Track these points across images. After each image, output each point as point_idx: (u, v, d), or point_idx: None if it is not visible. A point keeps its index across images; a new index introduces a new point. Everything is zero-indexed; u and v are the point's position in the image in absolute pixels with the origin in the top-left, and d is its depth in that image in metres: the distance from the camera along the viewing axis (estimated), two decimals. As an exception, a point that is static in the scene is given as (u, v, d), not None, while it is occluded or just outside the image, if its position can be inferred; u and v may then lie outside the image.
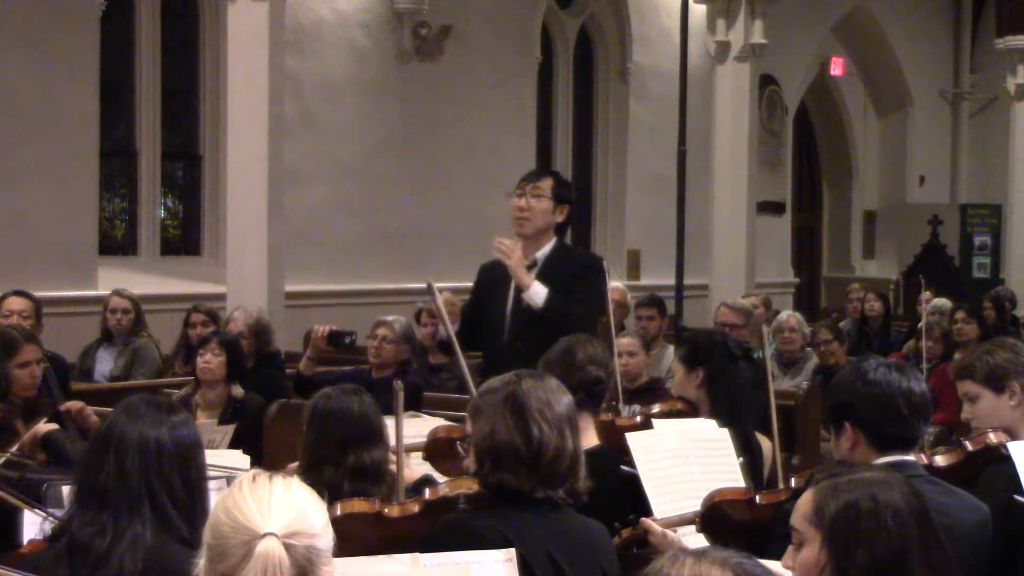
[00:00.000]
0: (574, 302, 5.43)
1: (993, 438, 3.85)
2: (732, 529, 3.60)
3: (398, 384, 3.97)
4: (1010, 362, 3.93)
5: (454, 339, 5.23)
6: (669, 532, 3.66)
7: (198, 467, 3.08)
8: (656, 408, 4.77)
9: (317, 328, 6.71)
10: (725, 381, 4.75)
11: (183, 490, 3.01)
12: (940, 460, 3.76)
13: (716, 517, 3.62)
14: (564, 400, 3.30)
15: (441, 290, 5.46)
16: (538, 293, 5.46)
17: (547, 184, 5.66)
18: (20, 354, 5.30)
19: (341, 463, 3.93)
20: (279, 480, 2.22)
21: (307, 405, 4.22)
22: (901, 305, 16.64)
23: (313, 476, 3.87)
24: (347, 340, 6.64)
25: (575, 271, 5.64)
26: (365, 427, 4.01)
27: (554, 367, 4.15)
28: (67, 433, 5.05)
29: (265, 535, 2.12)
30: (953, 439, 3.97)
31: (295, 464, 4.10)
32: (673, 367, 5.04)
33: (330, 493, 3.82)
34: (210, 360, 6.68)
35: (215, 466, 3.31)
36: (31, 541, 3.37)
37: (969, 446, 3.84)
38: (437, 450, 4.30)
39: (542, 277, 5.58)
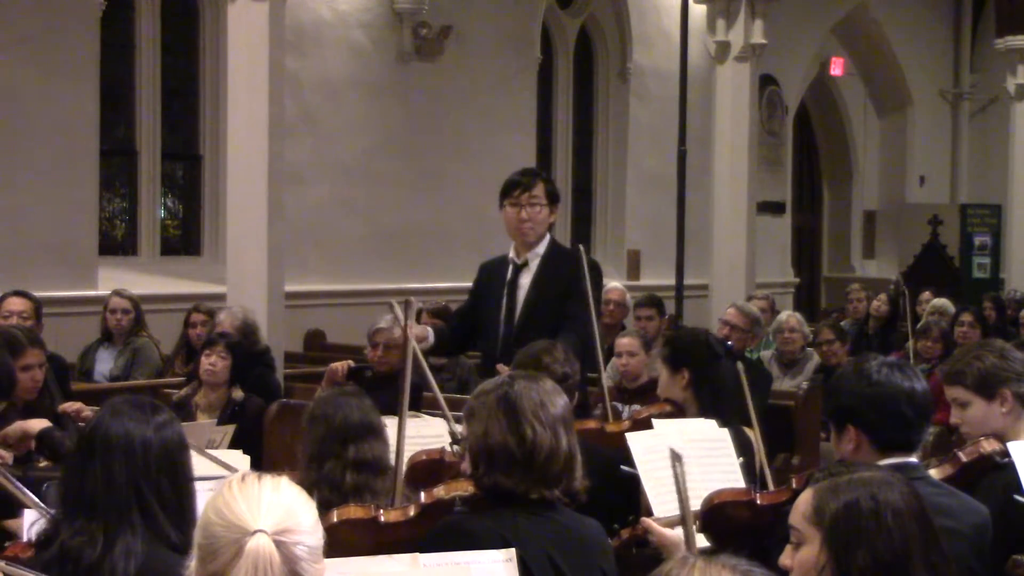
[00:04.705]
0: (571, 341, 5.29)
1: (987, 447, 3.79)
2: (732, 530, 3.60)
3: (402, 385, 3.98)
4: (1000, 368, 3.87)
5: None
6: (669, 531, 3.66)
7: (185, 469, 3.06)
8: (645, 413, 4.77)
9: (336, 365, 6.66)
10: (710, 381, 4.75)
11: (171, 493, 2.98)
12: (935, 473, 3.67)
13: (717, 518, 3.61)
14: (559, 401, 3.31)
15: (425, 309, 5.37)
16: None
17: (540, 190, 5.71)
18: (24, 357, 5.30)
19: (343, 457, 3.95)
20: (268, 479, 2.23)
21: (307, 407, 4.24)
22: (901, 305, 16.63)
23: (315, 470, 3.89)
24: (368, 374, 6.63)
25: (569, 272, 5.66)
26: (364, 423, 4.03)
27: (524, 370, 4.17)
28: (67, 433, 5.03)
29: (255, 532, 2.13)
30: (949, 454, 3.89)
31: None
32: (657, 368, 5.04)
33: (331, 486, 3.84)
34: (216, 363, 6.70)
35: (206, 476, 3.28)
36: (15, 544, 3.34)
37: (963, 457, 3.78)
38: (419, 475, 4.27)
39: (539, 276, 5.67)
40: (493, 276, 5.85)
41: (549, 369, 4.37)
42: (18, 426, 4.84)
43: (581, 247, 5.62)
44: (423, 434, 4.61)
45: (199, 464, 3.40)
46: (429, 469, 4.29)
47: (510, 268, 5.79)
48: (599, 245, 15.14)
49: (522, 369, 4.34)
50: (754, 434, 4.45)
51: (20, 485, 3.67)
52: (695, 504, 3.72)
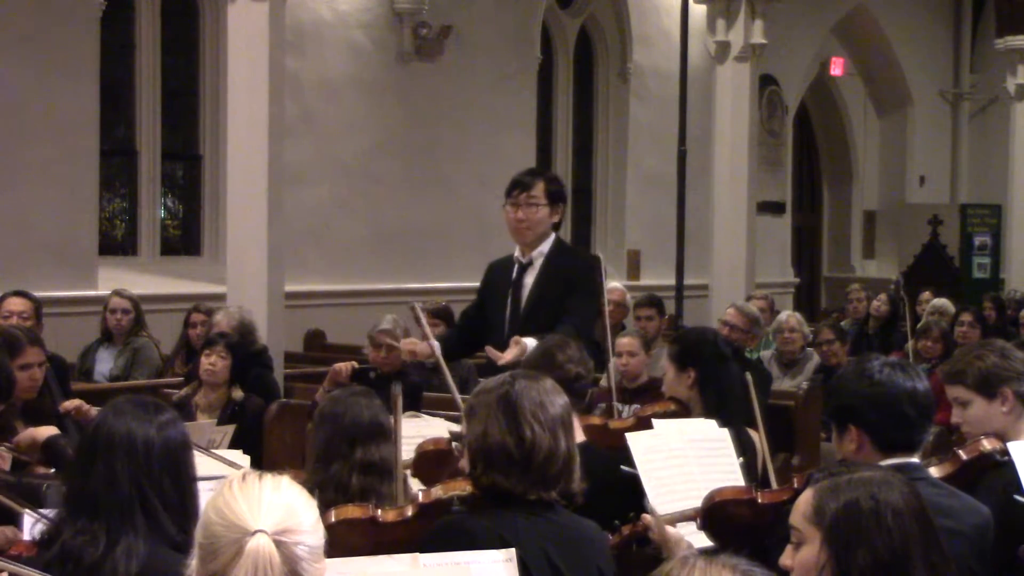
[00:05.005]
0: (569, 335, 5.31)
1: (987, 445, 3.78)
2: (733, 528, 3.59)
3: (396, 388, 3.98)
4: (1001, 367, 3.86)
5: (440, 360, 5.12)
6: (670, 528, 3.65)
7: (187, 468, 3.06)
8: (649, 411, 4.77)
9: (340, 366, 6.65)
10: (716, 381, 4.75)
11: (173, 492, 2.99)
12: (935, 471, 3.65)
13: (717, 516, 3.61)
14: (558, 401, 3.30)
15: (424, 309, 5.42)
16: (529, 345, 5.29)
17: (539, 189, 5.67)
18: (22, 356, 5.28)
19: (350, 458, 3.93)
20: (269, 479, 2.22)
21: (308, 406, 4.25)
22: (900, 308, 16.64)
23: (321, 471, 3.88)
24: (372, 375, 6.61)
25: (572, 272, 5.69)
26: (374, 425, 4.01)
27: (534, 369, 4.15)
28: (67, 438, 5.01)
29: (255, 532, 2.13)
30: (949, 452, 3.88)
31: None
32: (664, 366, 5.04)
33: (337, 488, 3.83)
34: (216, 363, 6.71)
35: (209, 476, 3.28)
36: (18, 543, 3.34)
37: (963, 455, 3.77)
38: (427, 464, 4.27)
39: (542, 275, 5.67)
40: (499, 275, 5.86)
41: (563, 368, 4.33)
42: (28, 433, 4.83)
43: (600, 256, 5.63)
44: (423, 434, 4.61)
45: (202, 463, 3.40)
46: (436, 459, 4.28)
47: (515, 267, 5.79)
48: (599, 245, 15.14)
49: (533, 363, 4.32)
50: (759, 436, 4.45)
51: (14, 495, 3.68)
52: (696, 503, 3.72)
